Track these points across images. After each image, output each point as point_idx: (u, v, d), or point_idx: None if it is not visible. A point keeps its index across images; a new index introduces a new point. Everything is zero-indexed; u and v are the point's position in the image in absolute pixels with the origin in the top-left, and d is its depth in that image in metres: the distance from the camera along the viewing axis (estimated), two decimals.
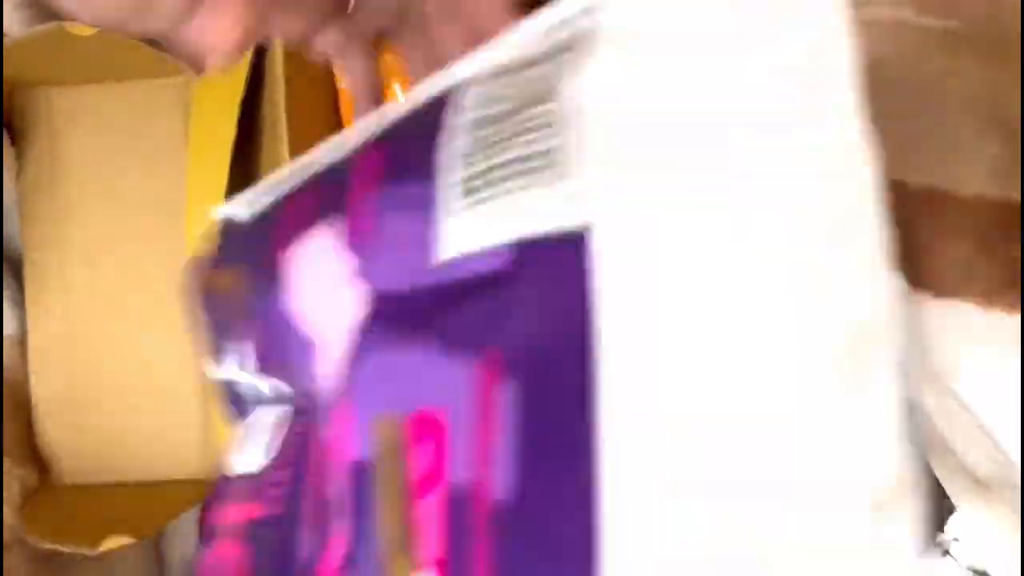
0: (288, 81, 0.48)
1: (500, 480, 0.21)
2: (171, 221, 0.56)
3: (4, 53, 0.56)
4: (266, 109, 0.49)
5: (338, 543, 0.25)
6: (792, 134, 0.21)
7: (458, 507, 0.20)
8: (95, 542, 0.50)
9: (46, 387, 0.58)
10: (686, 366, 0.21)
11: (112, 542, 0.51)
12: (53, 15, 0.53)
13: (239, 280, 0.34)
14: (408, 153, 0.25)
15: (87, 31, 0.54)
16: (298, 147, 0.49)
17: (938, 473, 0.48)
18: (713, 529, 0.20)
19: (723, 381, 0.21)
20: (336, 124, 0.51)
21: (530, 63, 0.23)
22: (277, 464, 0.31)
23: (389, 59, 0.48)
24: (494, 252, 0.22)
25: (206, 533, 0.35)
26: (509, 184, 0.22)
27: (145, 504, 0.55)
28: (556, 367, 0.21)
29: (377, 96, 0.41)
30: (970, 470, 0.50)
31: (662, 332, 0.20)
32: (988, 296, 0.50)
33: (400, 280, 0.24)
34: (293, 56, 0.48)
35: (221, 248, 0.37)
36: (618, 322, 0.20)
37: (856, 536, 0.21)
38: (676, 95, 0.21)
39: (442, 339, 0.23)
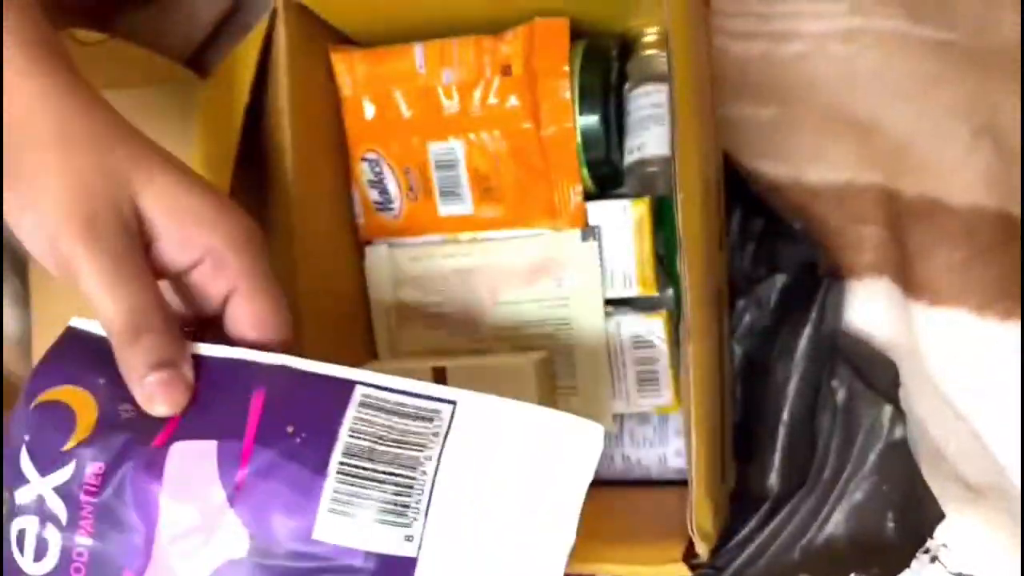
0: (292, 86, 0.49)
1: None
2: None
3: None
4: (270, 114, 0.50)
5: None
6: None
7: None
8: None
9: None
10: None
11: None
12: (60, 22, 0.53)
13: (86, 402, 0.35)
14: (310, 429, 0.33)
15: (94, 38, 0.55)
16: (302, 152, 0.49)
17: (931, 480, 0.48)
18: None
19: None
20: (338, 128, 0.52)
21: (411, 414, 0.34)
22: None
23: None
24: (355, 552, 0.32)
25: None
26: (373, 514, 0.32)
27: None
28: None
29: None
30: (963, 477, 0.50)
31: None
32: (982, 304, 0.51)
33: (277, 535, 0.32)
34: (297, 60, 0.49)
35: (67, 359, 0.36)
36: None
37: None
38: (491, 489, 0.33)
39: None
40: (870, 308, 0.50)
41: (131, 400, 0.35)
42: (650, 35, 0.50)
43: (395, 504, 0.32)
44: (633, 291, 0.49)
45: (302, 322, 0.48)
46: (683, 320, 0.41)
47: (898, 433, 0.48)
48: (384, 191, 0.52)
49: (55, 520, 0.34)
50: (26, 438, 0.35)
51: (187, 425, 0.34)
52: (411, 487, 0.32)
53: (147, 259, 0.36)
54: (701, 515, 0.41)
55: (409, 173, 0.51)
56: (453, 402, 0.34)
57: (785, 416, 0.48)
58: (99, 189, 0.35)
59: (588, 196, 0.49)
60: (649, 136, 0.47)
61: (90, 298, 0.35)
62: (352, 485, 0.32)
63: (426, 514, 0.32)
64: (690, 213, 0.41)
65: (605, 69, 0.49)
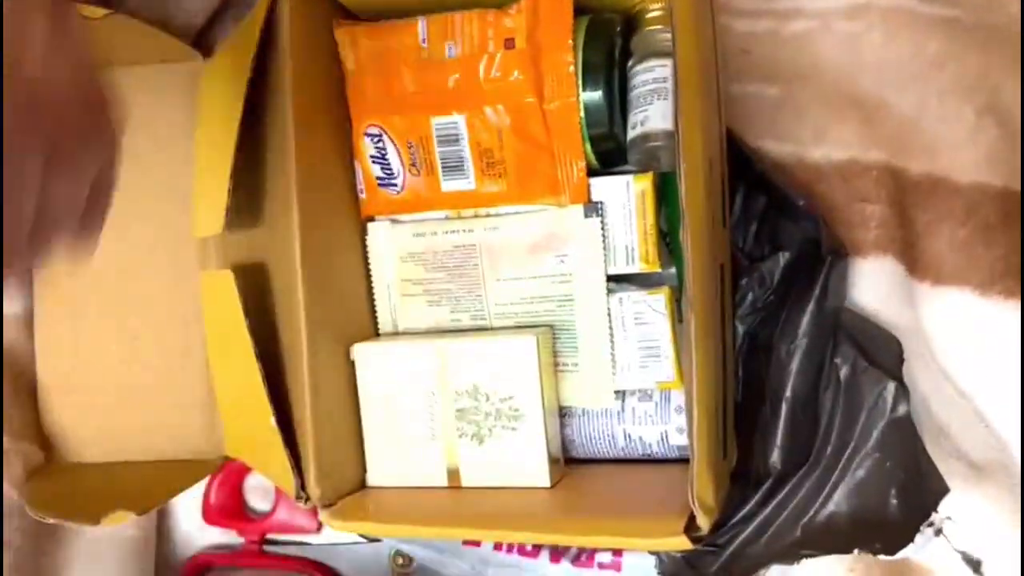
0: (295, 61, 0.48)
1: None
2: (179, 204, 0.57)
3: None
4: (274, 90, 0.50)
5: None
6: None
7: None
8: (97, 517, 0.51)
9: (51, 367, 0.59)
10: None
11: (114, 517, 0.51)
12: None
13: None
14: None
15: (98, 13, 0.55)
16: (305, 127, 0.49)
17: (934, 456, 0.48)
18: None
19: None
20: (342, 103, 0.52)
21: None
22: None
23: None
24: None
25: None
26: None
27: (147, 481, 0.56)
28: None
29: None
30: (966, 455, 0.50)
31: None
32: (985, 283, 0.51)
33: None
34: (300, 35, 0.49)
35: None
36: None
37: None
38: None
39: None
40: (874, 286, 0.50)
41: None
42: (655, 11, 0.50)
43: None
44: (635, 267, 0.49)
45: (304, 297, 0.48)
46: (684, 295, 0.41)
47: (901, 410, 0.47)
48: (387, 166, 0.52)
49: None
50: None
51: None
52: None
53: None
54: (702, 488, 0.41)
55: (412, 148, 0.51)
56: None
57: (788, 393, 0.48)
58: None
59: (591, 172, 0.49)
60: (653, 110, 0.47)
61: None
62: None
63: None
64: (692, 188, 0.41)
65: (609, 44, 0.49)
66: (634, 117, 0.48)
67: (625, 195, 0.49)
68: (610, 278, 0.49)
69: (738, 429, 0.49)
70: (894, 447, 0.47)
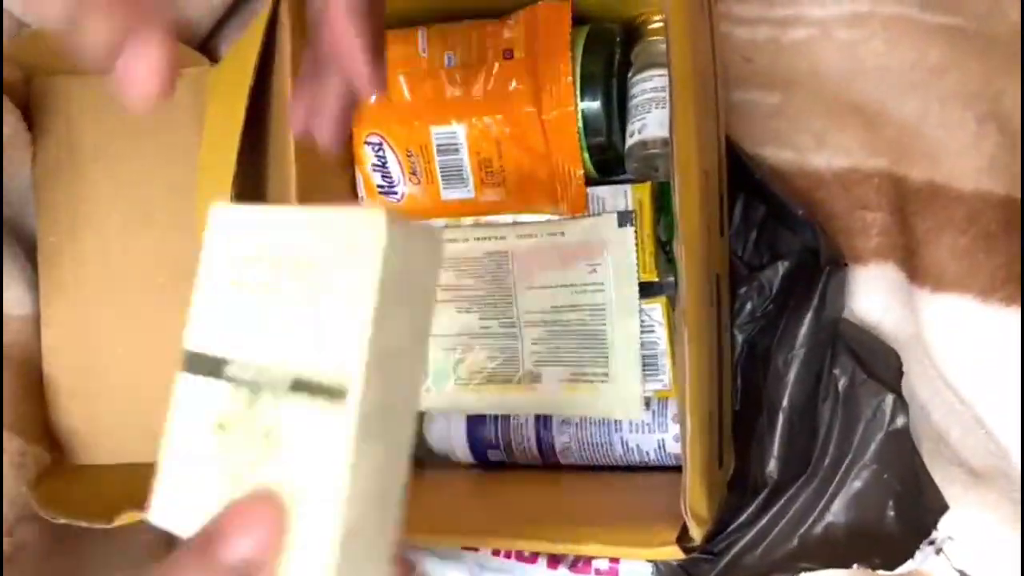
0: (296, 69, 0.49)
1: None
2: (184, 207, 0.57)
3: (25, 42, 0.57)
4: (275, 100, 0.50)
5: None
6: None
7: None
8: (109, 517, 0.52)
9: (60, 368, 0.60)
10: None
11: (126, 517, 0.52)
12: None
13: None
14: None
15: None
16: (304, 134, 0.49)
17: (933, 465, 0.48)
18: None
19: None
20: None
21: None
22: None
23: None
24: None
25: None
26: None
27: None
28: None
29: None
30: (966, 462, 0.50)
31: None
32: (986, 290, 0.50)
33: None
34: (301, 43, 0.49)
35: None
36: None
37: None
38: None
39: None
40: (875, 294, 0.50)
41: None
42: (656, 22, 0.50)
43: None
44: None
45: None
46: (678, 304, 0.41)
47: (900, 422, 0.47)
48: (387, 175, 0.52)
49: None
50: None
51: None
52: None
53: None
54: (695, 498, 0.41)
55: (412, 156, 0.51)
56: None
57: (785, 403, 0.48)
58: None
59: (590, 181, 0.49)
60: (651, 118, 0.47)
61: None
62: None
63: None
64: (687, 199, 0.41)
65: (608, 54, 0.49)
66: (632, 126, 0.48)
67: (623, 204, 0.49)
68: None
69: (735, 437, 0.49)
70: (892, 459, 0.47)
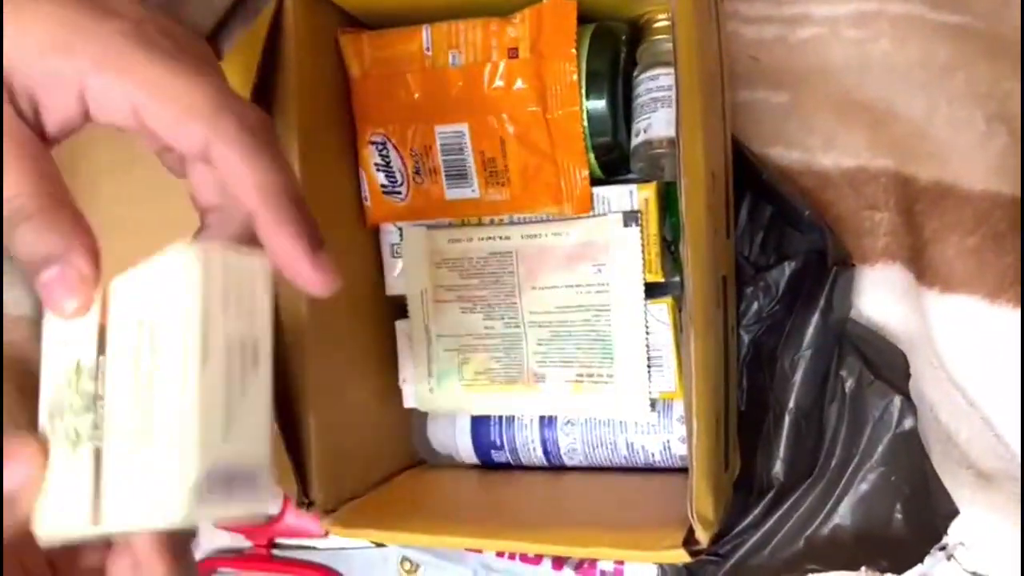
0: (300, 68, 0.48)
1: None
2: (184, 212, 0.57)
3: None
4: (278, 100, 0.50)
5: None
6: None
7: None
8: None
9: None
10: None
11: None
12: None
13: None
14: None
15: None
16: (309, 135, 0.49)
17: (942, 466, 0.47)
18: None
19: None
20: (346, 111, 0.52)
21: None
22: None
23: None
24: None
25: None
26: None
27: None
28: None
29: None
30: (974, 464, 0.49)
31: None
32: (994, 291, 0.50)
33: None
34: (305, 43, 0.49)
35: None
36: None
37: None
38: None
39: None
40: (882, 294, 0.50)
41: None
42: (661, 20, 0.49)
43: None
44: None
45: (308, 305, 0.49)
46: (684, 305, 0.40)
47: (907, 424, 0.47)
48: (391, 174, 0.52)
49: None
50: None
51: None
52: None
53: None
54: (701, 501, 0.40)
55: (416, 156, 0.51)
56: None
57: (791, 405, 0.48)
58: None
59: (595, 181, 0.49)
60: (656, 117, 0.47)
61: None
62: None
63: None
64: (694, 199, 0.40)
65: (614, 53, 0.48)
66: (637, 125, 0.48)
67: (628, 204, 0.48)
68: None
69: (742, 439, 0.49)
70: (899, 461, 0.47)
